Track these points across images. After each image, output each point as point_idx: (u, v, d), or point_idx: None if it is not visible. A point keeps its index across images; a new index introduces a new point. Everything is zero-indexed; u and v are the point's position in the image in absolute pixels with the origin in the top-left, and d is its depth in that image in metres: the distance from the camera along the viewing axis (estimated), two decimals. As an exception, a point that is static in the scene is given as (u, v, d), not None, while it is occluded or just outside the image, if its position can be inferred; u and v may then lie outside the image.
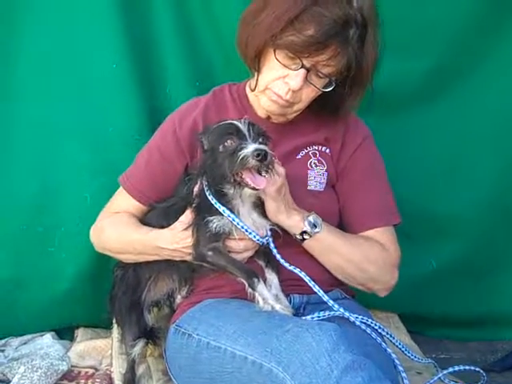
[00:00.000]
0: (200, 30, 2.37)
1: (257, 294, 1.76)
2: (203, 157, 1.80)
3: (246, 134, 1.67)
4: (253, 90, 1.96)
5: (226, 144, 1.69)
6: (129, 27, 2.28)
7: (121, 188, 2.08)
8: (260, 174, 1.69)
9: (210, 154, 1.75)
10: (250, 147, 1.63)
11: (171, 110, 2.12)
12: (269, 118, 2.00)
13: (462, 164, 2.59)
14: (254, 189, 1.70)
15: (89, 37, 2.27)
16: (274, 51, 1.81)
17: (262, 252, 1.87)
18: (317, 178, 1.98)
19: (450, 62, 2.48)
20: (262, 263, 1.89)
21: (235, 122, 1.71)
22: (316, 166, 1.99)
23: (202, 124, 1.96)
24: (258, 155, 1.62)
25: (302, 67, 1.79)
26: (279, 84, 1.84)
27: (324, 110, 1.99)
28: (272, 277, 1.87)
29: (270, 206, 1.79)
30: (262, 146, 1.64)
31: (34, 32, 2.26)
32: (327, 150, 2.02)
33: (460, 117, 2.55)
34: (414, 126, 2.54)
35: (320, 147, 2.01)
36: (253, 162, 1.63)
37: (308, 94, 1.87)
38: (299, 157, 2.00)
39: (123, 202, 2.07)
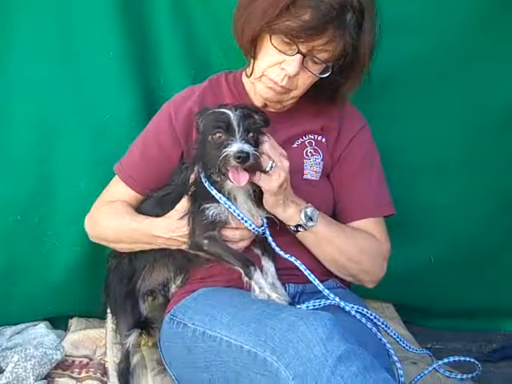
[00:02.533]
0: (196, 18, 2.34)
1: (253, 283, 1.76)
2: (197, 140, 1.79)
3: (236, 128, 1.64)
4: (249, 77, 1.95)
5: (214, 136, 1.67)
6: (125, 16, 2.25)
7: (116, 177, 2.07)
8: (246, 170, 1.67)
9: (201, 140, 1.74)
10: (234, 147, 1.62)
11: (167, 98, 2.11)
12: (265, 106, 1.98)
13: (459, 153, 2.55)
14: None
15: (84, 26, 2.25)
16: (270, 37, 1.80)
17: (259, 240, 1.87)
18: (313, 167, 1.98)
19: (464, 47, 2.42)
20: (258, 252, 1.89)
21: (228, 112, 1.68)
22: (312, 155, 1.98)
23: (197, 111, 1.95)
24: (239, 158, 1.61)
25: (298, 52, 1.78)
26: (275, 70, 1.83)
27: (320, 97, 1.98)
28: (269, 265, 1.86)
29: (270, 200, 1.78)
30: (246, 148, 1.62)
31: (29, 21, 2.23)
32: (323, 139, 2.01)
33: (461, 106, 2.49)
34: (410, 115, 2.49)
35: (316, 136, 2.01)
36: (233, 162, 1.62)
37: (304, 81, 1.86)
38: (295, 146, 1.99)
39: (118, 191, 2.06)
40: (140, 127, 2.12)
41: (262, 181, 1.72)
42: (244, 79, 2.03)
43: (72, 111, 2.28)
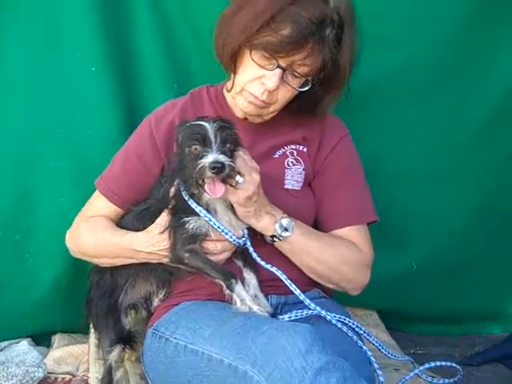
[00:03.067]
0: (178, 33, 2.35)
1: (234, 296, 1.76)
2: (176, 153, 1.79)
3: (212, 140, 1.65)
4: (229, 91, 1.96)
5: (190, 149, 1.68)
6: (107, 30, 2.26)
7: (97, 191, 2.06)
8: (224, 182, 1.68)
9: (179, 153, 1.75)
10: (209, 158, 1.62)
11: (149, 111, 2.11)
12: (246, 118, 1.99)
13: (440, 162, 2.59)
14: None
15: (67, 41, 2.24)
16: (250, 52, 1.81)
17: (240, 252, 1.87)
18: (294, 177, 1.98)
19: (444, 59, 2.47)
20: (239, 263, 1.89)
21: (205, 124, 1.68)
22: (293, 164, 1.99)
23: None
24: (214, 168, 1.61)
25: (277, 67, 1.79)
26: (255, 85, 1.84)
27: (301, 109, 2.00)
28: (250, 277, 1.87)
29: (239, 211, 1.79)
30: (221, 158, 1.63)
31: (12, 36, 2.23)
32: (305, 149, 2.02)
33: (440, 116, 2.54)
34: (393, 125, 2.53)
35: (298, 146, 2.02)
36: (209, 173, 1.63)
37: (284, 94, 1.87)
38: (276, 156, 2.00)
39: (99, 206, 2.05)
40: (122, 142, 2.12)
41: (228, 194, 1.73)
42: (226, 93, 2.03)
43: (54, 126, 2.28)
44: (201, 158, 1.64)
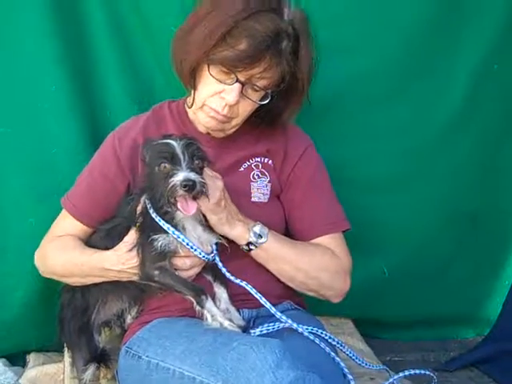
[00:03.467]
0: (140, 49, 2.34)
1: (205, 312, 1.76)
2: (145, 172, 1.79)
3: (181, 157, 1.66)
4: (190, 107, 1.97)
5: (159, 168, 1.69)
6: (66, 49, 2.24)
7: (63, 210, 2.05)
8: (194, 199, 1.69)
9: (148, 172, 1.75)
10: (180, 176, 1.63)
11: (113, 128, 2.10)
12: (209, 132, 2.00)
13: (407, 168, 2.61)
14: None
15: (26, 60, 2.23)
16: (208, 67, 1.82)
17: (210, 267, 1.87)
18: (260, 190, 1.99)
19: (404, 65, 2.50)
20: (210, 278, 1.89)
21: (172, 142, 1.69)
22: (259, 177, 2.00)
23: (142, 142, 1.93)
24: (185, 186, 1.62)
25: (236, 81, 1.80)
26: (215, 100, 1.85)
27: (262, 122, 2.01)
28: (221, 291, 1.87)
29: (212, 220, 1.80)
30: (192, 176, 1.64)
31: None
32: (269, 161, 2.03)
33: (405, 121, 2.56)
34: (356, 132, 2.54)
35: (262, 159, 2.03)
36: (181, 192, 1.64)
37: (245, 108, 1.88)
38: (242, 169, 2.01)
39: (66, 225, 2.04)
40: (87, 160, 2.10)
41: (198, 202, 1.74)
42: (187, 108, 2.04)
43: (18, 146, 2.26)
44: (171, 176, 1.64)
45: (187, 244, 1.77)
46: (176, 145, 1.68)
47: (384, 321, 2.80)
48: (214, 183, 1.76)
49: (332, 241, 2.01)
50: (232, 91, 1.81)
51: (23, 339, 2.40)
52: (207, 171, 1.76)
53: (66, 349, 2.19)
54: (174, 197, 1.66)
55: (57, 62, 2.24)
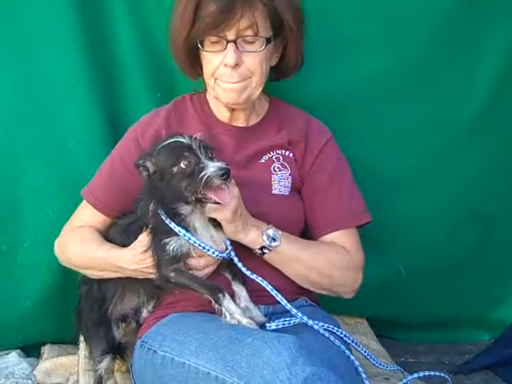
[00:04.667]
0: (159, 42, 2.31)
1: (223, 309, 1.76)
2: (151, 180, 1.78)
3: (199, 152, 1.67)
4: (207, 91, 2.02)
5: (181, 165, 1.68)
6: (87, 41, 2.26)
7: (84, 201, 2.06)
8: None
9: (159, 176, 1.74)
10: (212, 167, 1.64)
11: (133, 122, 2.12)
12: (231, 120, 2.02)
13: (425, 166, 2.58)
14: (217, 203, 1.71)
15: (47, 53, 2.25)
16: (201, 45, 1.87)
17: (228, 265, 1.87)
18: (281, 182, 1.99)
19: (428, 60, 2.47)
20: (228, 276, 1.90)
21: (183, 140, 1.69)
22: (280, 170, 2.00)
23: (165, 133, 1.97)
24: (223, 175, 1.63)
25: (227, 43, 1.83)
26: (221, 71, 1.88)
27: (277, 73, 2.07)
28: (240, 289, 1.87)
29: (228, 229, 1.80)
30: (224, 165, 1.65)
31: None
32: (290, 154, 2.03)
33: (424, 119, 2.53)
34: (377, 126, 2.52)
35: (283, 151, 2.03)
36: (218, 181, 1.64)
37: (252, 63, 1.88)
38: (263, 161, 2.01)
39: (86, 215, 2.06)
40: (106, 152, 2.13)
41: (214, 213, 1.76)
42: (208, 97, 2.05)
43: (37, 138, 2.28)
44: (201, 170, 1.64)
45: (199, 245, 1.77)
46: (189, 141, 1.69)
47: (399, 321, 2.78)
48: (231, 190, 1.75)
49: (346, 237, 2.01)
50: (228, 52, 1.83)
51: (39, 331, 2.41)
52: None
53: (81, 341, 2.20)
54: (208, 189, 1.66)
55: (77, 55, 2.26)
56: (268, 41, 1.87)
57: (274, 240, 1.85)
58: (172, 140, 1.72)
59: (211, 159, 1.68)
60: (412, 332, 2.81)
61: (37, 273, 2.31)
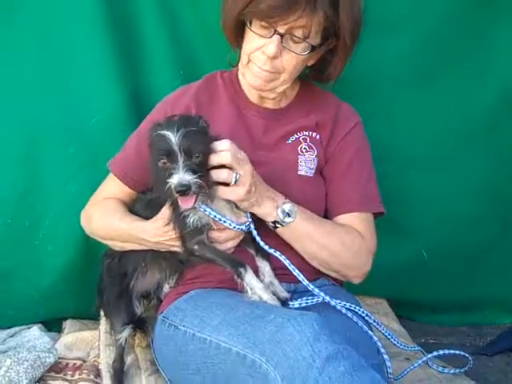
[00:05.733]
0: (183, 18, 2.33)
1: (245, 284, 1.76)
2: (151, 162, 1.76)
3: (178, 153, 1.63)
4: (237, 66, 2.00)
5: (159, 163, 1.67)
6: (109, 18, 2.24)
7: (110, 174, 2.08)
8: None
9: (153, 163, 1.72)
10: (175, 178, 1.62)
11: (155, 98, 2.12)
12: (261, 101, 2.01)
13: (450, 148, 2.56)
14: (226, 184, 1.71)
15: (69, 28, 2.23)
16: (250, 23, 1.83)
17: (252, 240, 1.86)
18: (307, 164, 1.98)
19: (438, 43, 2.45)
20: (252, 252, 1.89)
21: (170, 135, 1.64)
22: (306, 151, 1.99)
23: (194, 109, 1.97)
24: (179, 191, 1.61)
25: (275, 33, 1.79)
26: (258, 55, 1.85)
27: (311, 77, 2.05)
28: (264, 265, 1.87)
29: (242, 205, 1.79)
30: (186, 178, 1.61)
31: (11, 23, 2.22)
32: (317, 136, 2.02)
33: (448, 99, 2.52)
34: (401, 108, 2.51)
35: (310, 133, 2.02)
36: (175, 195, 1.64)
37: (289, 62, 1.86)
38: (290, 142, 2.00)
39: (112, 188, 2.07)
40: (127, 129, 2.13)
41: (226, 194, 1.74)
42: (240, 76, 2.04)
43: (59, 114, 2.28)
44: (169, 176, 1.63)
45: (215, 217, 1.76)
46: (173, 138, 1.63)
47: (420, 303, 2.76)
48: (244, 169, 1.73)
49: (360, 221, 1.98)
50: (271, 43, 1.80)
51: (60, 306, 2.42)
52: (236, 154, 1.73)
53: (101, 316, 2.22)
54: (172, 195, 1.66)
55: (99, 29, 2.24)
56: (313, 48, 1.84)
57: (289, 215, 1.83)
58: (161, 133, 1.67)
59: (187, 166, 1.63)
60: (433, 314, 2.80)
61: (59, 248, 2.31)
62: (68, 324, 2.42)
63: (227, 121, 1.97)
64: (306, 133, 2.01)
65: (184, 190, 1.61)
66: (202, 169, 1.66)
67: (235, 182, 1.72)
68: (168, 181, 1.63)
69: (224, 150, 1.71)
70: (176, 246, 1.85)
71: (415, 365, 1.97)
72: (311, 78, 2.08)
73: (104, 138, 2.27)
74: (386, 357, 1.79)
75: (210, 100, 2.02)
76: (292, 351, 1.44)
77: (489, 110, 2.54)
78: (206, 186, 1.68)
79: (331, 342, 1.44)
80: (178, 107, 1.99)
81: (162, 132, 1.66)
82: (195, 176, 1.63)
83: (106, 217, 2.00)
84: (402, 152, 2.53)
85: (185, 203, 1.67)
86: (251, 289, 1.76)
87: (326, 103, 2.07)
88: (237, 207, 1.81)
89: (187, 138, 1.64)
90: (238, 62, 2.00)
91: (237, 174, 1.71)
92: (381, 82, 2.44)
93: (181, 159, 1.63)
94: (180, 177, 1.62)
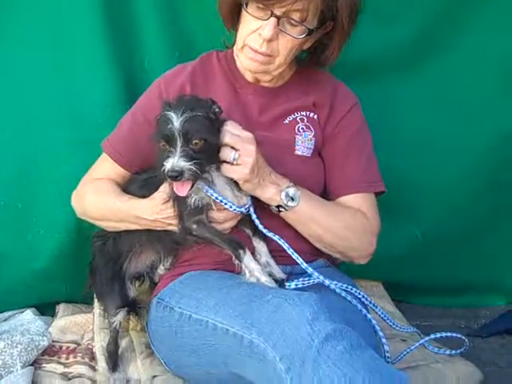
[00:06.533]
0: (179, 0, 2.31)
1: (243, 266, 1.75)
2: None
3: (177, 138, 1.61)
4: (232, 48, 1.98)
5: (159, 145, 1.66)
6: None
7: (103, 154, 2.05)
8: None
9: (154, 141, 1.70)
10: (169, 162, 1.61)
11: (151, 80, 2.08)
12: (257, 81, 1.99)
13: (443, 131, 2.56)
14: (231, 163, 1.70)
15: (63, 9, 2.21)
16: (246, 5, 1.80)
17: (249, 221, 1.85)
18: (304, 144, 1.97)
19: (433, 29, 2.46)
20: (249, 232, 1.88)
21: (173, 117, 1.62)
22: (304, 131, 1.97)
23: (189, 89, 1.95)
24: (170, 176, 1.61)
25: (271, 16, 1.77)
26: (254, 37, 1.82)
27: (307, 62, 2.03)
28: (260, 245, 1.86)
29: (244, 186, 1.77)
30: (180, 164, 1.60)
31: (8, 6, 2.20)
32: (315, 116, 2.00)
33: (442, 84, 2.52)
34: (396, 93, 2.51)
35: (308, 113, 2.00)
36: (168, 179, 1.63)
37: (284, 45, 1.83)
38: (287, 122, 1.98)
39: (105, 168, 2.04)
40: (123, 110, 2.10)
41: (228, 172, 1.73)
42: (236, 56, 2.02)
43: (52, 97, 2.25)
44: (165, 159, 1.62)
45: (216, 198, 1.74)
46: (175, 122, 1.62)
47: (415, 285, 2.76)
48: (246, 149, 1.72)
49: (363, 201, 1.98)
50: (267, 25, 1.78)
51: (53, 289, 2.40)
52: (239, 133, 1.72)
53: (95, 300, 2.20)
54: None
55: (94, 11, 2.21)
56: (310, 32, 1.82)
57: (293, 200, 1.82)
58: (165, 113, 1.65)
59: (184, 152, 1.62)
60: (427, 296, 2.80)
61: (52, 231, 2.29)
62: (61, 308, 2.40)
63: (223, 100, 1.94)
64: (304, 113, 2.00)
65: (175, 175, 1.60)
66: (201, 155, 1.64)
67: (234, 161, 1.70)
68: (163, 164, 1.62)
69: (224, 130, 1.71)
70: (173, 225, 1.83)
71: (412, 348, 1.98)
72: (308, 61, 2.05)
73: (98, 119, 2.25)
74: (383, 338, 1.79)
75: (206, 80, 2.00)
76: (290, 331, 1.43)
77: (483, 94, 2.53)
78: (206, 172, 1.68)
79: (330, 321, 1.44)
80: (172, 86, 1.97)
81: (167, 113, 1.64)
82: (190, 163, 1.61)
83: (101, 196, 1.96)
84: (395, 134, 2.52)
85: (180, 190, 1.66)
86: (249, 271, 1.74)
87: (322, 83, 2.06)
88: (238, 190, 1.79)
89: (189, 123, 1.62)
90: (233, 44, 1.97)
91: (235, 153, 1.70)
92: (378, 66, 2.45)
93: (179, 144, 1.62)
94: (174, 162, 1.61)
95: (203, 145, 1.65)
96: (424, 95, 2.52)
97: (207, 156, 1.67)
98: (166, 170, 1.60)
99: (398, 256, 2.62)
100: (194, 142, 1.63)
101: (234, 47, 1.95)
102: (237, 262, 1.75)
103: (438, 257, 2.69)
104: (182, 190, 1.66)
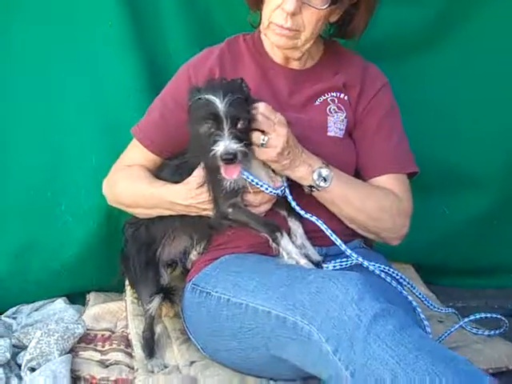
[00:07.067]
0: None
1: (281, 249, 1.73)
2: (190, 127, 1.73)
3: (224, 120, 1.60)
4: (258, 27, 1.96)
5: (203, 128, 1.63)
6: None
7: (134, 140, 2.03)
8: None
9: (193, 128, 1.68)
10: (221, 146, 1.59)
11: (173, 67, 2.09)
12: (287, 61, 1.97)
13: (469, 111, 2.54)
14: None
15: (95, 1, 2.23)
16: None
17: (284, 202, 1.83)
18: (337, 125, 1.95)
19: (453, 7, 2.43)
20: (284, 213, 1.86)
21: (215, 100, 1.61)
22: (336, 112, 1.96)
23: (218, 72, 1.93)
24: (225, 159, 1.58)
25: None
26: (278, 13, 1.81)
27: (334, 35, 2.03)
28: (296, 226, 1.84)
29: (274, 167, 1.76)
30: (233, 147, 1.59)
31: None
32: (345, 97, 1.98)
33: (468, 63, 2.51)
34: (421, 73, 2.50)
35: (338, 94, 1.98)
36: (221, 163, 1.61)
37: (309, 18, 1.81)
38: (318, 103, 1.96)
39: (136, 154, 2.03)
40: (145, 96, 2.13)
41: (258, 154, 1.71)
42: (262, 37, 1.99)
43: (77, 84, 2.26)
44: (214, 142, 1.60)
45: (252, 180, 1.72)
46: (219, 104, 1.60)
47: (446, 267, 2.72)
48: (277, 132, 1.70)
49: (396, 182, 1.95)
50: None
51: (83, 278, 2.39)
52: (271, 116, 1.70)
53: (127, 287, 2.20)
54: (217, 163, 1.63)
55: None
56: (333, 1, 1.79)
57: (325, 180, 1.79)
58: (206, 97, 1.63)
59: (232, 134, 1.60)
60: (458, 278, 2.75)
61: (80, 219, 2.28)
62: (92, 296, 2.39)
63: (252, 83, 1.90)
64: (334, 94, 1.97)
65: (230, 158, 1.59)
66: (246, 136, 1.64)
67: (263, 145, 1.69)
68: (213, 148, 1.59)
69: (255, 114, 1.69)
70: (208, 210, 1.81)
71: (452, 329, 1.95)
72: (335, 35, 2.04)
73: (123, 108, 2.24)
74: (423, 317, 1.77)
75: (234, 62, 1.98)
76: (336, 311, 1.41)
77: (504, 69, 2.52)
78: (250, 153, 1.66)
79: (376, 300, 1.42)
80: (202, 70, 1.95)
81: (208, 97, 1.62)
82: (241, 144, 1.60)
83: (133, 183, 1.95)
84: (423, 113, 2.50)
85: (229, 174, 1.64)
86: (287, 253, 1.72)
87: (352, 64, 2.03)
88: (273, 171, 1.77)
89: (234, 105, 1.61)
90: (259, 24, 1.95)
91: (265, 137, 1.68)
92: (399, 47, 2.44)
93: (226, 126, 1.60)
94: (226, 144, 1.59)
95: (246, 126, 1.64)
96: (452, 74, 2.51)
97: (248, 137, 1.66)
98: (220, 153, 1.59)
99: (429, 238, 2.59)
100: (240, 123, 1.62)
101: (261, 27, 1.93)
102: (274, 244, 1.73)
103: (468, 238, 2.65)
104: (232, 172, 1.64)
